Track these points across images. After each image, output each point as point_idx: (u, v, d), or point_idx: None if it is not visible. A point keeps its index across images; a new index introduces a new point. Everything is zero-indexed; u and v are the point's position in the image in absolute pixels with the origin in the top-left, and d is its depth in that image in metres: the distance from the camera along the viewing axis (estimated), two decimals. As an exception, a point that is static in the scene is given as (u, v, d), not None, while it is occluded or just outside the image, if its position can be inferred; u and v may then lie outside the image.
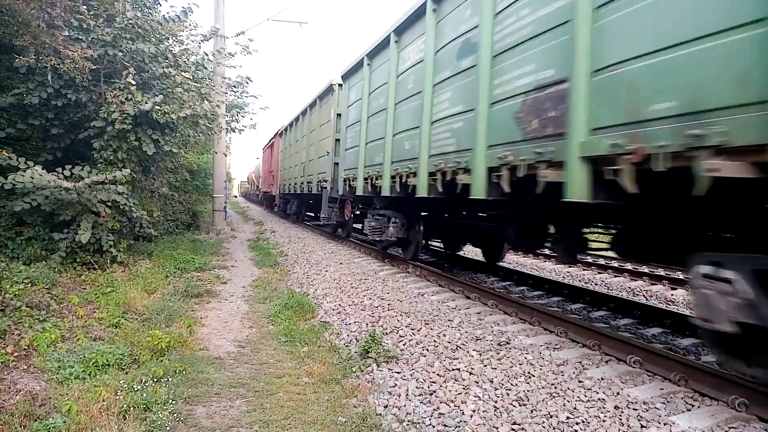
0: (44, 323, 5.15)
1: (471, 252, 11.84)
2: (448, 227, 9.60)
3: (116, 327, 5.65)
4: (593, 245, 6.17)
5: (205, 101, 9.37)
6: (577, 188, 3.89)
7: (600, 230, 6.15)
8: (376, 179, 8.64)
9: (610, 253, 6.50)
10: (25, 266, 6.61)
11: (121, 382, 4.10)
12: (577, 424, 3.36)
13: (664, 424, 3.32)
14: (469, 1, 5.88)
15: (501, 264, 9.72)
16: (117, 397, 3.83)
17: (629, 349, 4.48)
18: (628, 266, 9.93)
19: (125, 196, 8.01)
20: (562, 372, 4.18)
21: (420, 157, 6.87)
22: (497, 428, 3.38)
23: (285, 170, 21.99)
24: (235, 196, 61.43)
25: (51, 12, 7.43)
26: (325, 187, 13.57)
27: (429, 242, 11.40)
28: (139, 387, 4.00)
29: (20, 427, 3.33)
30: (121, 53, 8.20)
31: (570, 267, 10.39)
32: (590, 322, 5.72)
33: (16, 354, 4.43)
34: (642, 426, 3.31)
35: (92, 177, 7.34)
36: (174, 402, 3.90)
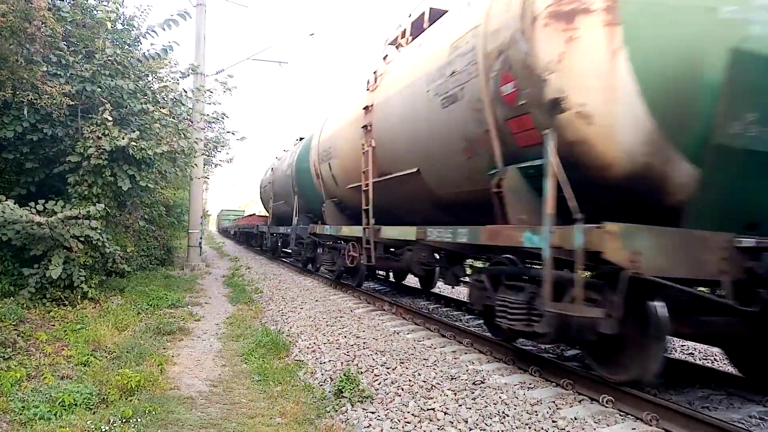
0: (9, 361, 5.02)
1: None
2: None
3: (85, 365, 5.52)
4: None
5: (183, 137, 9.40)
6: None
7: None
8: None
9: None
10: (-9, 302, 6.46)
11: (88, 422, 3.99)
12: (550, 464, 3.36)
13: (636, 464, 3.34)
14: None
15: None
16: (83, 439, 3.73)
17: (602, 389, 4.52)
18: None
19: (98, 231, 7.91)
20: (536, 412, 4.19)
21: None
22: (471, 469, 3.36)
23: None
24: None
25: (30, 47, 7.45)
26: None
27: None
28: (106, 428, 3.90)
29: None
30: (99, 89, 8.22)
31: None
32: (564, 362, 5.76)
33: (-24, 394, 4.31)
34: (614, 466, 3.32)
35: (65, 212, 7.26)
36: (142, 444, 3.81)
